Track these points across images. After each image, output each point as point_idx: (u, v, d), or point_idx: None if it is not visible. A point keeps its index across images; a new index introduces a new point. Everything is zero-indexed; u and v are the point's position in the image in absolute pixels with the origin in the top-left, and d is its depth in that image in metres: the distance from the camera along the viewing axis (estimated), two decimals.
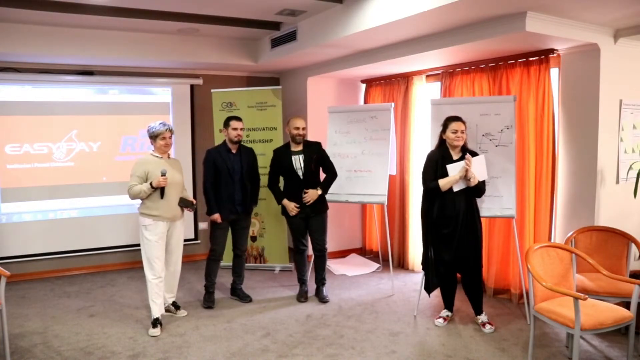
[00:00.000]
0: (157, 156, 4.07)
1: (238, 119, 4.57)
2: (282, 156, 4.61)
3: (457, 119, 3.95)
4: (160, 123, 4.05)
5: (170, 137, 4.08)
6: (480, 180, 3.91)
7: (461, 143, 3.95)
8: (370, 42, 4.58)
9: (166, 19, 4.69)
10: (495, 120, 4.36)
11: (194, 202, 4.27)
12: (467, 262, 3.95)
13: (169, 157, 4.18)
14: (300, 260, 4.79)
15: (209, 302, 4.62)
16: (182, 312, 4.39)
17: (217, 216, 4.46)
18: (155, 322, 4.01)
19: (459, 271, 4.07)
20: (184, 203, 4.18)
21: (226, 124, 4.54)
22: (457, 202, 3.89)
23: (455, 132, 3.90)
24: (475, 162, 3.89)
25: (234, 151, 4.56)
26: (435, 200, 3.96)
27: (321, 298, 4.74)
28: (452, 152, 3.97)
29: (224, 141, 4.61)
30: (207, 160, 4.53)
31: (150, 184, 3.94)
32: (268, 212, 5.73)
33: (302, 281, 4.82)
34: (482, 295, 4.15)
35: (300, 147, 4.57)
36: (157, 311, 4.04)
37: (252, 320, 4.23)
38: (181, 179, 4.21)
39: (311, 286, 4.88)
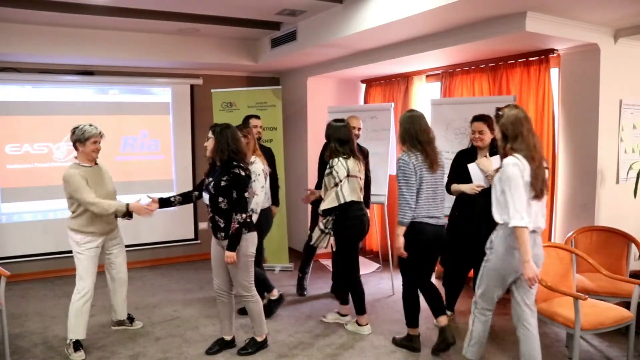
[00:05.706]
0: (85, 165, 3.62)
1: (257, 117, 4.60)
2: None
3: (477, 118, 3.77)
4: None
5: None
6: None
7: (480, 144, 3.76)
8: (370, 42, 4.58)
9: (166, 19, 4.69)
10: None
11: None
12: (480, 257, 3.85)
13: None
14: (313, 252, 4.83)
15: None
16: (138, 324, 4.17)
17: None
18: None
19: (473, 266, 3.90)
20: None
21: (246, 123, 4.43)
22: (477, 199, 3.72)
23: (474, 132, 3.77)
24: (494, 161, 3.67)
25: None
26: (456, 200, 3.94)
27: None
28: (478, 152, 3.83)
29: None
30: None
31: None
32: None
33: (306, 273, 4.89)
34: None
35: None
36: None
37: None
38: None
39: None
